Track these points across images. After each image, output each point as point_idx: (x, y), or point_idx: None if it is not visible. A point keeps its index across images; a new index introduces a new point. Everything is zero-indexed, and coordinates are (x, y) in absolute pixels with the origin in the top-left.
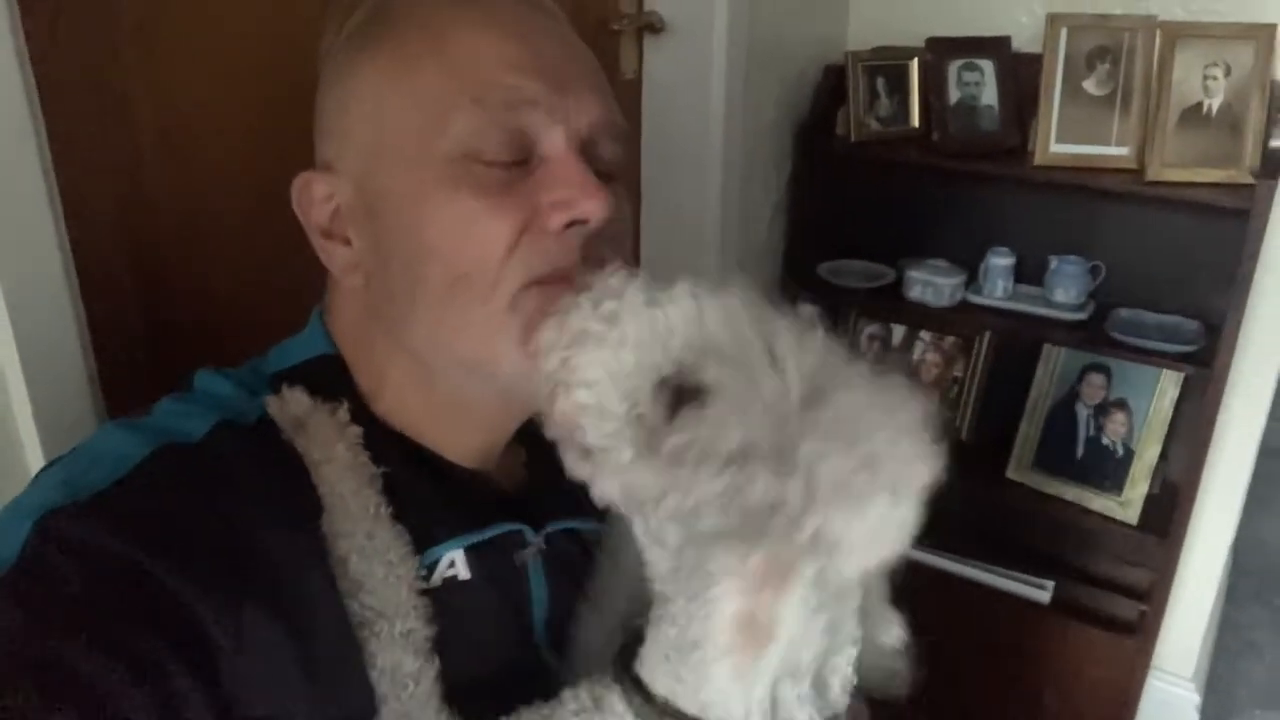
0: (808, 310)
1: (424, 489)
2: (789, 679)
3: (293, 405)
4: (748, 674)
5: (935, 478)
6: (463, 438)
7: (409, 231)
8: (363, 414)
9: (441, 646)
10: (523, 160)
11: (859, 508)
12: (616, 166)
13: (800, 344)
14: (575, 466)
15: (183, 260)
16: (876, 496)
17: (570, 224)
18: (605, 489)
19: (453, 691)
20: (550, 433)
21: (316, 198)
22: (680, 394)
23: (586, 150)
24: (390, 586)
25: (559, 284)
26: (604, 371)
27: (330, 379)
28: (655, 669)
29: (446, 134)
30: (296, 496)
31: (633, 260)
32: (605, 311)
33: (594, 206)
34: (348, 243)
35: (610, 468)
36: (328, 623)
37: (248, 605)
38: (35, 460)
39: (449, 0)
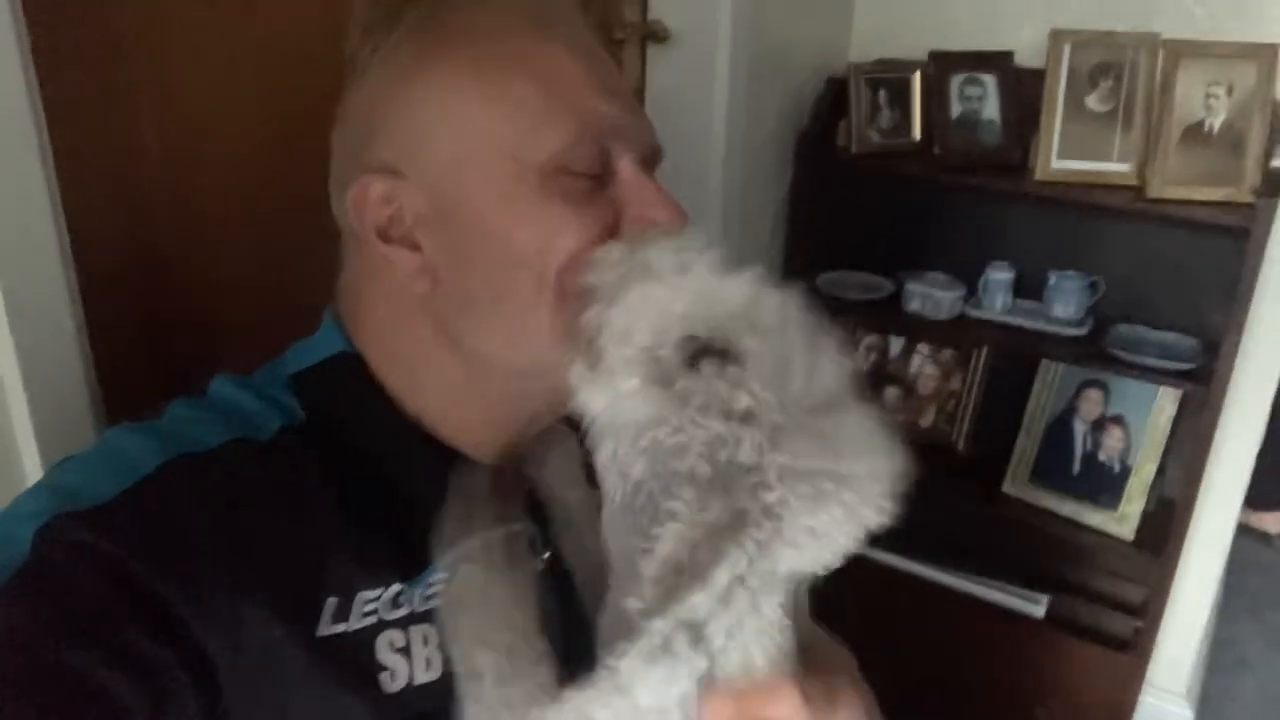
0: (842, 335)
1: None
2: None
3: None
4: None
5: (881, 524)
6: (491, 437)
7: (495, 239)
8: (389, 414)
9: None
10: (600, 174)
11: (816, 506)
12: None
13: (834, 362)
14: (575, 375)
15: (183, 261)
16: (833, 507)
17: None
18: (591, 402)
19: None
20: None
21: (372, 199)
22: (701, 352)
23: (646, 168)
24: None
25: None
26: (650, 307)
27: (350, 376)
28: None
29: (541, 145)
30: (309, 522)
31: None
32: (680, 260)
33: (672, 217)
34: (414, 248)
35: (605, 386)
36: (334, 645)
37: (248, 625)
38: (31, 461)
39: (520, 15)
